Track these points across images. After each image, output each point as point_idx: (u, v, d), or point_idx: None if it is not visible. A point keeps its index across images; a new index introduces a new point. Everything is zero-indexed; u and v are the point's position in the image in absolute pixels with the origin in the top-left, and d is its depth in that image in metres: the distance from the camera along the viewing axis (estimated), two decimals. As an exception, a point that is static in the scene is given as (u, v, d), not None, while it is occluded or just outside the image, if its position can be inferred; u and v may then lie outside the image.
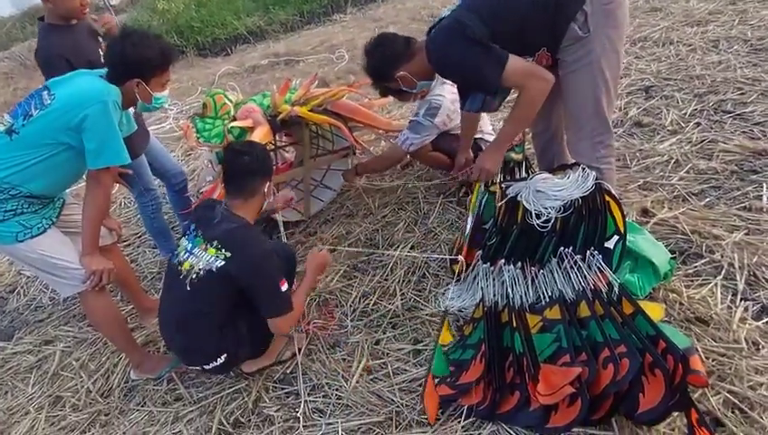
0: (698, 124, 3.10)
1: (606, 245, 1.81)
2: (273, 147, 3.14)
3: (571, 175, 1.92)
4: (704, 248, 2.19)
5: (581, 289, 1.77)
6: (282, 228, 2.87)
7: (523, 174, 2.33)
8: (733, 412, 1.59)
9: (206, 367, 1.99)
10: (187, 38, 8.78)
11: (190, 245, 1.98)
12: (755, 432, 1.52)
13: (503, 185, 2.08)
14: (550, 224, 1.90)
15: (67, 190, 2.18)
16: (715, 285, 2.02)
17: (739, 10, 4.54)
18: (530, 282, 1.94)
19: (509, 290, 1.94)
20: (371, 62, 2.19)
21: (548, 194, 1.89)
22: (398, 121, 3.12)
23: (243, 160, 2.00)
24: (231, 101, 2.99)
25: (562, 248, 1.89)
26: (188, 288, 1.90)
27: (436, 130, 2.76)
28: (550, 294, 1.83)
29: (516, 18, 1.85)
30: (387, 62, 2.16)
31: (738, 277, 2.02)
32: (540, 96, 1.87)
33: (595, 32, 1.80)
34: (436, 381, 1.82)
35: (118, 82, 1.92)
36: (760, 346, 1.76)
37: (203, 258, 1.90)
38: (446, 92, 2.71)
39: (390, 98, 3.15)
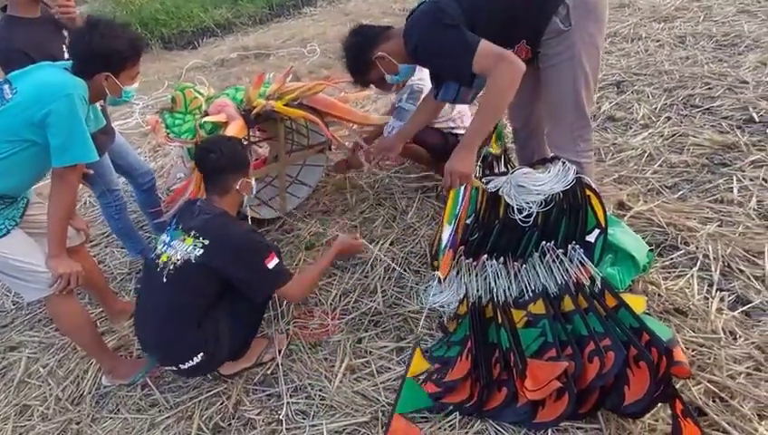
0: (669, 118, 3.17)
1: (587, 238, 1.82)
2: (246, 142, 3.06)
3: (552, 169, 1.92)
4: (679, 240, 2.23)
5: (564, 283, 1.77)
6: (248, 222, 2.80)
7: (502, 168, 2.31)
8: (714, 401, 1.62)
9: (182, 366, 1.91)
10: (151, 30, 8.49)
11: (169, 238, 1.94)
12: (737, 421, 1.54)
13: (483, 180, 2.05)
14: (531, 219, 1.89)
15: (31, 189, 2.07)
16: (692, 276, 2.06)
17: (704, 6, 4.67)
18: (513, 277, 1.93)
19: (492, 285, 1.93)
20: (349, 46, 2.13)
21: (529, 189, 1.89)
22: (375, 116, 3.07)
23: (210, 158, 1.98)
24: (202, 96, 2.90)
25: (544, 243, 1.89)
26: (165, 280, 1.85)
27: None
28: (533, 288, 1.83)
29: (497, 10, 1.83)
30: (365, 45, 2.10)
31: (713, 268, 2.07)
32: (510, 84, 1.73)
33: (576, 26, 1.80)
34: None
35: (85, 75, 1.82)
36: (737, 335, 1.80)
37: (180, 249, 1.87)
38: (427, 76, 2.69)
39: (366, 92, 3.13)
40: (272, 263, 1.88)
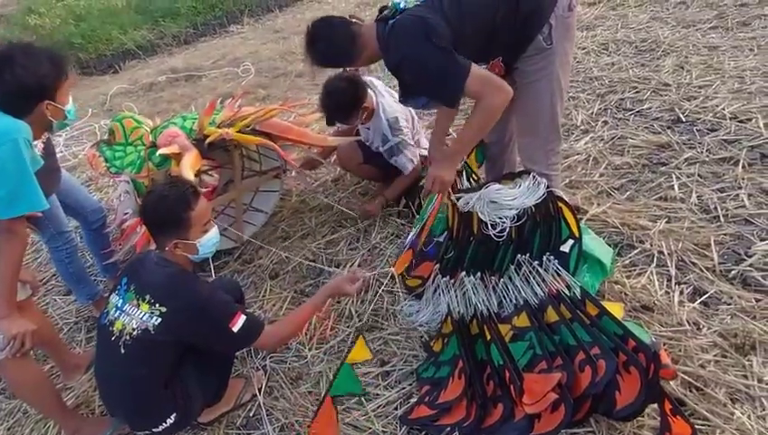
0: (606, 123, 3.36)
1: (561, 249, 1.89)
2: (196, 173, 2.93)
3: (522, 184, 1.98)
4: (634, 239, 2.36)
5: (543, 294, 1.83)
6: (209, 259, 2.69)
7: (465, 182, 2.36)
8: (690, 391, 1.72)
9: (156, 430, 1.78)
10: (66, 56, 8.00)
11: (121, 301, 1.76)
12: (714, 407, 1.65)
13: (453, 198, 2.08)
14: (505, 233, 1.93)
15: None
16: (651, 272, 2.18)
17: (620, 15, 5.00)
18: (491, 290, 1.97)
19: (472, 299, 1.96)
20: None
21: (502, 204, 1.93)
22: (332, 137, 3.04)
23: (143, 213, 1.79)
24: (144, 126, 2.76)
25: (519, 256, 1.94)
26: (123, 351, 1.69)
27: (411, 127, 2.81)
28: (514, 302, 1.87)
29: (483, 27, 1.84)
30: (335, 62, 2.04)
31: (669, 263, 2.20)
32: (499, 108, 1.83)
33: (556, 44, 1.87)
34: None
35: (23, 112, 1.68)
36: (701, 326, 1.93)
37: (135, 316, 1.69)
38: (389, 103, 2.72)
39: (319, 113, 3.11)
40: (237, 325, 1.71)
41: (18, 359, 1.75)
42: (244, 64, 6.07)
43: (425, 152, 2.98)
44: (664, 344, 1.86)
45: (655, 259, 2.24)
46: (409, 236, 2.54)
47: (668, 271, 2.18)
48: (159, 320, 1.66)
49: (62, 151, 4.91)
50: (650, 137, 3.08)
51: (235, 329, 1.71)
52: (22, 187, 1.61)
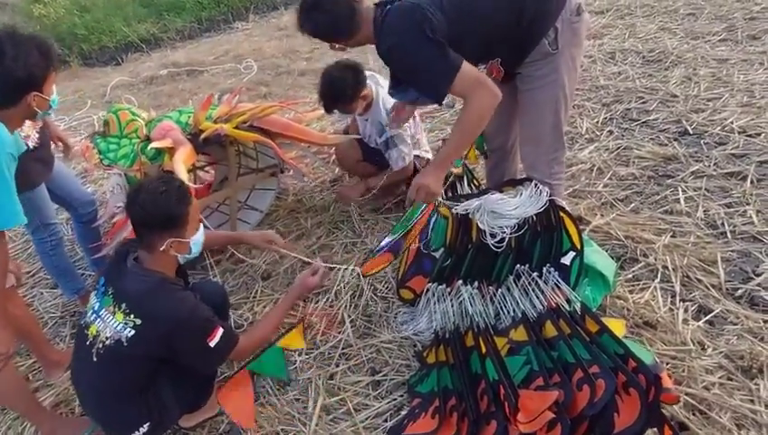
0: (611, 132, 3.30)
1: (562, 261, 1.82)
2: (192, 168, 2.87)
3: (524, 192, 1.91)
4: (638, 253, 2.29)
5: (542, 307, 1.76)
6: (207, 256, 2.63)
7: (466, 188, 2.29)
8: (694, 414, 1.65)
9: None
10: (69, 46, 7.94)
11: (98, 304, 1.67)
12: (717, 433, 1.58)
13: (452, 210, 1.99)
14: (504, 243, 1.86)
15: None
16: (655, 288, 2.11)
17: (628, 24, 4.95)
18: (488, 301, 1.90)
19: (469, 310, 1.89)
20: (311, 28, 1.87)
21: (502, 214, 1.86)
22: (333, 136, 2.97)
23: (134, 210, 1.64)
24: (140, 118, 2.69)
25: (519, 266, 1.87)
26: (95, 359, 1.61)
27: (410, 126, 2.76)
28: (511, 314, 1.80)
29: (481, 22, 1.76)
30: (328, 35, 1.88)
31: (674, 279, 2.13)
32: (487, 111, 1.75)
33: (562, 49, 1.80)
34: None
35: (10, 104, 1.61)
36: (705, 346, 1.86)
37: (110, 324, 1.60)
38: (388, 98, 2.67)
39: (319, 112, 3.05)
40: (214, 340, 1.63)
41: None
42: (247, 61, 6.01)
43: (426, 154, 2.93)
44: (667, 364, 1.80)
45: (659, 274, 2.17)
46: (384, 241, 2.53)
47: (673, 287, 2.11)
48: (133, 332, 1.57)
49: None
50: (656, 148, 3.01)
51: (212, 344, 1.63)
52: (1, 201, 1.54)
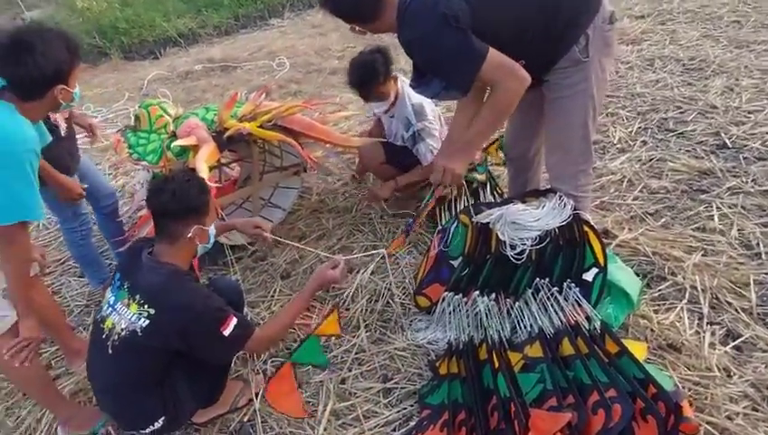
0: (645, 143, 3.19)
1: (584, 277, 1.76)
2: (217, 165, 2.90)
3: (547, 204, 1.85)
4: (666, 271, 2.21)
5: (561, 323, 1.70)
6: (228, 253, 2.65)
7: (488, 196, 2.25)
8: (714, 445, 1.57)
9: (144, 432, 1.72)
10: (110, 39, 8.16)
11: (113, 298, 1.71)
12: (739, 467, 1.50)
13: (473, 219, 1.96)
14: (524, 255, 1.82)
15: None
16: (682, 309, 2.03)
17: (669, 30, 4.78)
18: (505, 314, 1.86)
19: (484, 322, 1.85)
20: (335, 6, 1.82)
21: (524, 225, 1.81)
22: (356, 138, 2.96)
23: (159, 199, 1.68)
24: (169, 115, 2.74)
25: (538, 279, 1.82)
26: (110, 351, 1.64)
27: (436, 122, 2.73)
28: (528, 329, 1.75)
29: (512, 25, 1.71)
30: (351, 15, 1.82)
31: (702, 301, 2.04)
32: (516, 98, 1.71)
33: (593, 57, 1.74)
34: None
35: (37, 97, 1.65)
36: (731, 373, 1.77)
37: (125, 316, 1.64)
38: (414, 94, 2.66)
39: (344, 113, 3.04)
40: (228, 329, 1.64)
41: (8, 341, 1.72)
42: (280, 58, 6.07)
43: None
44: (689, 390, 1.72)
45: (687, 294, 2.08)
46: (409, 223, 2.61)
47: (701, 309, 2.02)
48: (147, 322, 1.60)
49: (95, 133, 4.98)
50: (692, 161, 2.90)
51: (226, 333, 1.64)
52: (21, 195, 1.57)
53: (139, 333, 1.60)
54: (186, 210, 1.70)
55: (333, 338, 2.19)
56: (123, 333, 1.62)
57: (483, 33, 1.66)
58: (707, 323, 1.96)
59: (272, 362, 2.13)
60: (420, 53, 1.79)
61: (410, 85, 2.08)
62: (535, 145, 2.14)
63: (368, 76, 2.58)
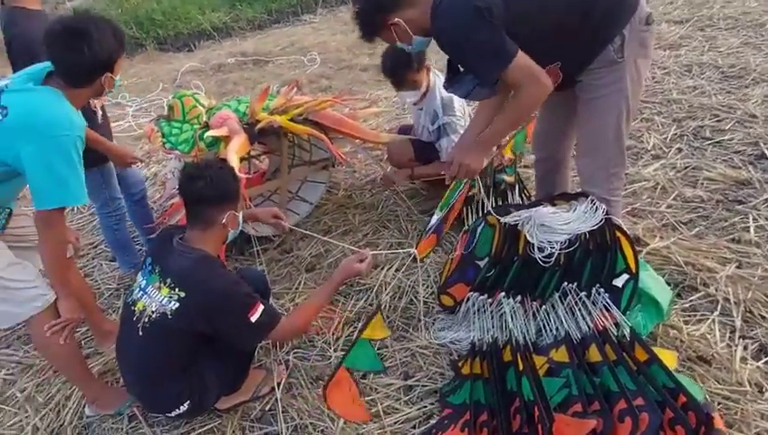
0: (680, 150, 3.12)
1: (614, 282, 1.73)
2: (246, 156, 2.94)
3: (578, 207, 1.83)
4: (698, 281, 2.15)
5: (588, 329, 1.68)
6: (255, 243, 2.68)
7: (516, 198, 2.23)
8: (744, 463, 1.53)
9: (169, 415, 1.78)
10: (147, 30, 8.34)
11: (144, 282, 1.75)
12: (769, 486, 1.46)
13: (500, 219, 1.94)
14: (553, 258, 1.79)
15: (13, 200, 1.92)
16: (713, 321, 1.98)
17: (708, 36, 4.66)
18: (531, 316, 1.84)
19: (509, 324, 1.83)
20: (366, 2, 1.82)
21: (553, 228, 1.79)
22: (386, 134, 2.97)
23: (194, 186, 1.72)
24: (202, 105, 2.78)
25: (566, 283, 1.79)
26: (141, 333, 1.68)
27: (463, 119, 2.70)
28: (554, 333, 1.73)
29: (548, 24, 1.69)
30: (384, 5, 1.77)
31: (735, 313, 1.99)
32: (537, 102, 1.76)
33: (628, 58, 1.71)
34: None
35: (86, 84, 1.70)
36: (763, 389, 1.72)
37: (156, 299, 1.68)
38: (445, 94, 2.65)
39: (374, 108, 3.05)
40: (255, 315, 1.67)
41: (47, 319, 1.77)
42: (311, 54, 6.11)
43: None
44: (718, 404, 1.68)
45: (719, 306, 2.03)
46: (432, 219, 2.59)
47: (733, 322, 1.97)
48: (177, 305, 1.63)
49: (129, 122, 5.10)
50: (728, 171, 2.82)
51: (254, 319, 1.66)
52: (67, 180, 1.61)
53: (169, 316, 1.63)
54: (221, 196, 1.74)
55: (357, 331, 2.20)
56: (154, 316, 1.65)
57: (516, 33, 1.65)
58: (740, 337, 1.91)
59: (294, 353, 2.15)
60: (450, 43, 1.77)
61: (443, 86, 2.08)
62: (564, 146, 2.11)
63: (401, 63, 2.57)
